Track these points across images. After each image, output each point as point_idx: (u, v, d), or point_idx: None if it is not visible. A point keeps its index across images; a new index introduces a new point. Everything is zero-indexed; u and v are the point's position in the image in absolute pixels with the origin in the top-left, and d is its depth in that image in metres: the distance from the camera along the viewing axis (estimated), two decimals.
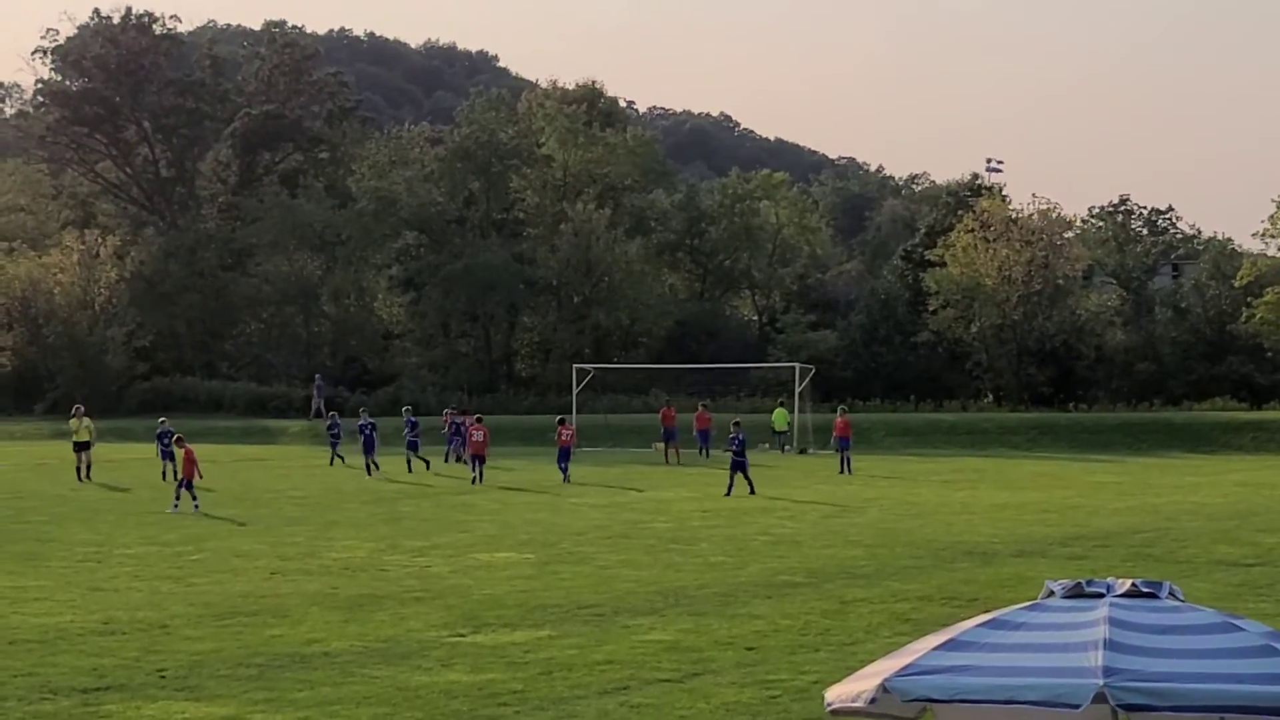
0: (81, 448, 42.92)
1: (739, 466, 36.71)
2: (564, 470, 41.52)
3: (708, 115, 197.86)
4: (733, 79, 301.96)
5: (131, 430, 60.18)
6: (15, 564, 23.95)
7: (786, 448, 54.39)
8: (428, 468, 44.88)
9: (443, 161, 79.65)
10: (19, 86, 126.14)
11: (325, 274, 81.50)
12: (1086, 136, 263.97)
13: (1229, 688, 5.82)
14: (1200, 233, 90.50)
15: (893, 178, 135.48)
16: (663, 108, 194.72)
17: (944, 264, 69.35)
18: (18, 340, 79.38)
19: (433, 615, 18.55)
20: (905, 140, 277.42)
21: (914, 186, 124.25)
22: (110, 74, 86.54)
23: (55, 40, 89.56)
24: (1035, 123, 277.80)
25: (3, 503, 35.50)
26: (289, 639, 16.98)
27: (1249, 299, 67.32)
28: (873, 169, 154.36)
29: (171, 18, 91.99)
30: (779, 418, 55.15)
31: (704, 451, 50.80)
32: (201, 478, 34.15)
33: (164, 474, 41.60)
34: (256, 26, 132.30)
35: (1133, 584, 6.58)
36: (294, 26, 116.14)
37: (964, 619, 6.77)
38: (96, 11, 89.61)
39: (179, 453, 35.05)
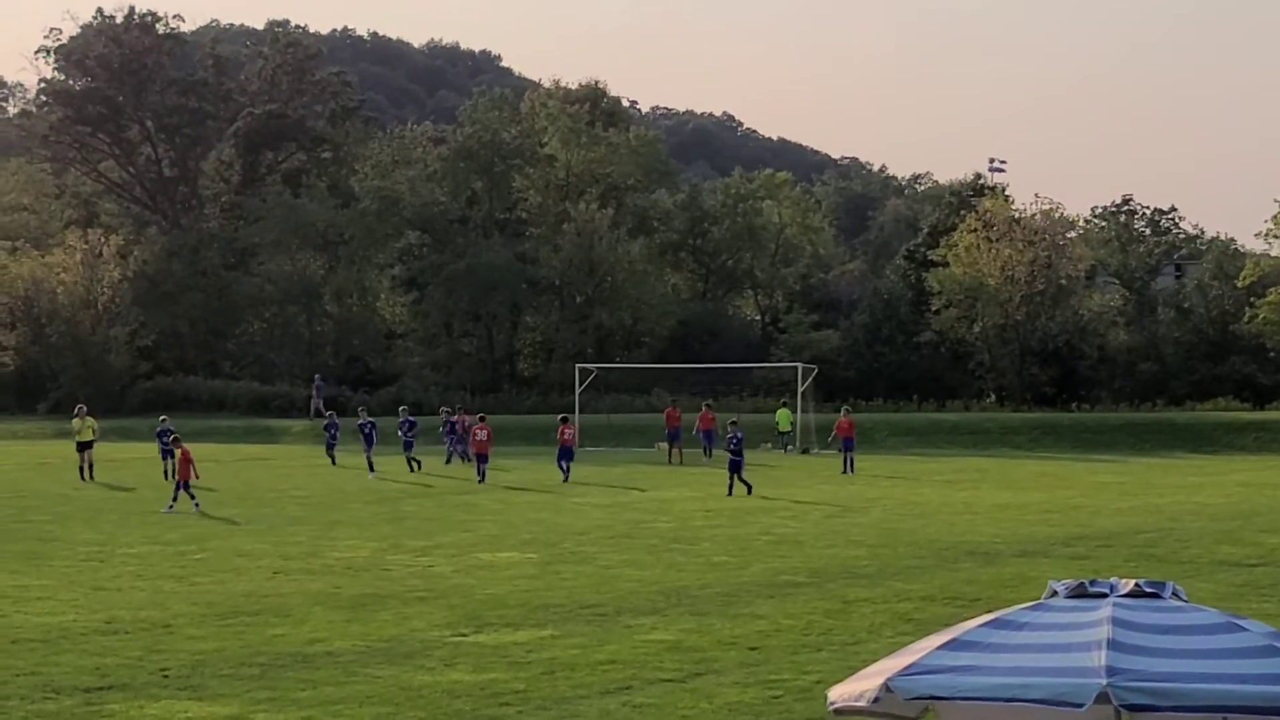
0: (84, 447, 42.97)
1: (736, 467, 36.80)
2: (563, 469, 41.55)
3: (710, 115, 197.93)
4: (736, 79, 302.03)
5: (134, 429, 60.19)
6: (18, 563, 23.96)
7: (789, 447, 54.42)
8: (413, 470, 44.41)
9: (445, 161, 79.69)
10: (22, 86, 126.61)
11: (328, 273, 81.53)
12: (1089, 136, 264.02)
13: (1232, 688, 5.82)
14: (1203, 233, 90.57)
15: (895, 177, 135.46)
16: (665, 107, 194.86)
17: (947, 264, 69.36)
18: (21, 340, 79.42)
19: (435, 615, 18.55)
20: (908, 140, 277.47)
21: (917, 186, 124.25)
22: (113, 73, 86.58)
23: (58, 40, 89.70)
24: (1038, 122, 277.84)
25: (6, 502, 35.52)
26: (292, 638, 16.98)
27: (1252, 299, 67.31)
28: (875, 169, 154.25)
29: (175, 17, 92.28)
30: (782, 418, 55.19)
31: (708, 452, 50.82)
32: (198, 478, 34.15)
33: (165, 473, 41.63)
34: (259, 26, 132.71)
35: (1136, 584, 6.57)
36: (297, 26, 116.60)
37: (967, 619, 6.77)
38: (100, 11, 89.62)
39: (178, 453, 35.07)
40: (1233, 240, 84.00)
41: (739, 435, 37.48)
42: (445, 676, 14.92)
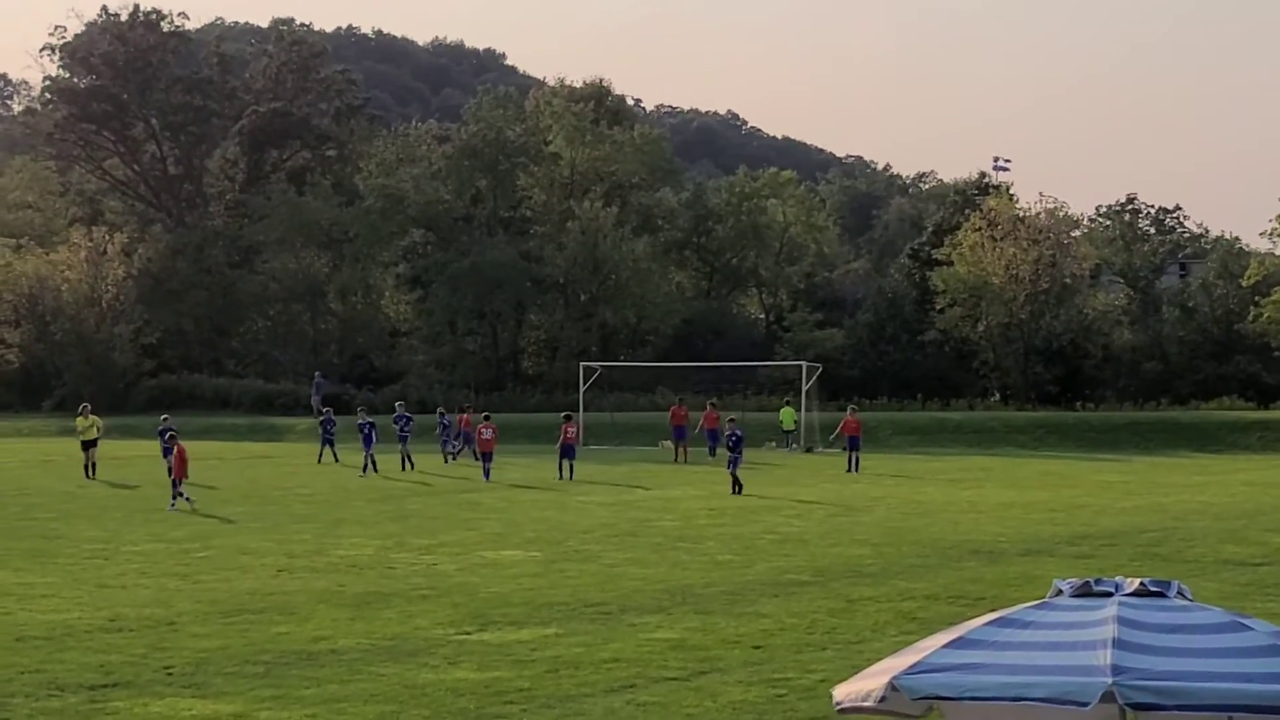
0: (89, 445, 42.99)
1: (733, 464, 36.88)
2: (560, 467, 41.57)
3: (715, 113, 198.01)
4: (740, 77, 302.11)
5: (139, 427, 60.18)
6: (23, 561, 23.98)
7: (794, 446, 54.42)
8: (404, 468, 44.47)
9: (450, 159, 79.69)
10: (27, 83, 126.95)
11: (332, 271, 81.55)
12: (1094, 135, 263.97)
13: (1237, 687, 5.82)
14: (1208, 232, 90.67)
15: (900, 176, 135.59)
16: (670, 106, 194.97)
17: (951, 263, 69.34)
18: (25, 337, 79.51)
19: (439, 613, 18.56)
20: (912, 139, 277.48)
21: (921, 185, 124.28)
22: (118, 71, 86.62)
23: (63, 37, 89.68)
24: (1042, 121, 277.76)
25: (10, 499, 35.55)
26: (296, 636, 16.99)
27: (1256, 298, 67.27)
28: (880, 168, 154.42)
29: (179, 15, 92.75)
30: (786, 416, 55.20)
31: (712, 450, 50.81)
32: (187, 478, 34.08)
33: (169, 471, 41.59)
34: (264, 24, 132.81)
35: (1141, 583, 6.57)
36: (302, 24, 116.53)
37: (971, 617, 6.77)
38: (104, 9, 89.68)
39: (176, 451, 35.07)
40: (1237, 239, 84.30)
41: (738, 433, 37.56)
42: (449, 674, 14.92)
